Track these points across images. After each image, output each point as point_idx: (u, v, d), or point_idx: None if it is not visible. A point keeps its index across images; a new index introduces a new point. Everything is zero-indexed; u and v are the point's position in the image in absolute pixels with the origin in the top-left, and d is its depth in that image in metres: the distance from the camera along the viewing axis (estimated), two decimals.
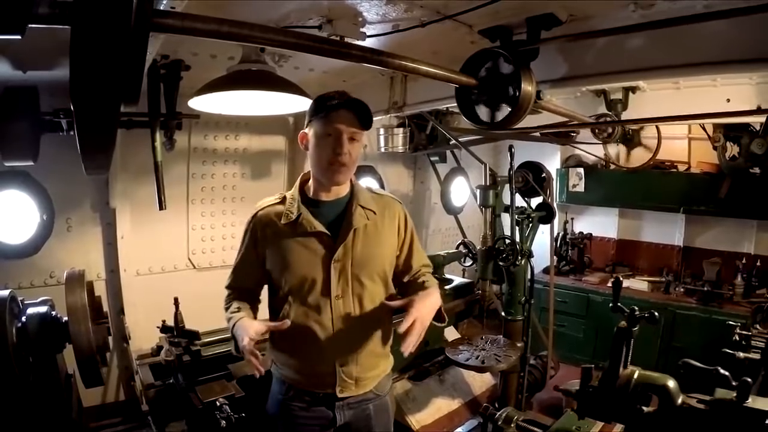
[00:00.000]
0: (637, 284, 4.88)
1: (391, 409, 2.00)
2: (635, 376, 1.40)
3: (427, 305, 1.67)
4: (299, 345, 1.76)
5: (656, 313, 1.43)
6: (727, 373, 1.32)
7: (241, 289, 1.90)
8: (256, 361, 1.59)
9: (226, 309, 1.84)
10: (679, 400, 1.32)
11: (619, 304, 1.52)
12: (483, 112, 2.18)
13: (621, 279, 1.56)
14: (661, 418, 1.34)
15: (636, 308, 1.44)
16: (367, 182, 4.58)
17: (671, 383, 1.34)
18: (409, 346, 1.57)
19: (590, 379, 1.49)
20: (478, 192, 3.29)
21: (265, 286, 1.91)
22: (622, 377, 1.41)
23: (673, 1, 1.76)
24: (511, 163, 3.10)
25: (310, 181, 1.83)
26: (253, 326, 1.65)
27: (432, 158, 5.00)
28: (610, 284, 4.89)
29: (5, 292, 1.80)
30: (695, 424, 1.29)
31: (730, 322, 3.33)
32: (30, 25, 0.88)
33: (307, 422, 1.81)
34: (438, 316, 1.78)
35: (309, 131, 1.74)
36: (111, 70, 0.89)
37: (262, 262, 1.81)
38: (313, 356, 1.75)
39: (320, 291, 1.72)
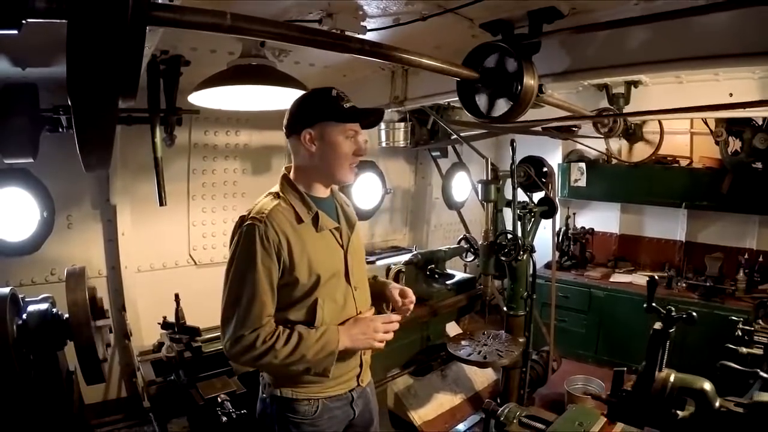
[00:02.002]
0: (639, 279, 4.88)
1: None
2: (671, 379, 1.33)
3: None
4: None
5: (694, 314, 1.35)
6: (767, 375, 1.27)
7: (271, 317, 1.62)
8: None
9: (285, 342, 1.56)
10: (717, 404, 1.27)
11: (654, 304, 1.41)
12: (485, 106, 2.17)
13: (656, 278, 1.45)
14: (697, 422, 1.27)
15: (672, 309, 1.36)
16: (368, 178, 4.58)
17: (708, 386, 1.29)
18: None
19: (622, 383, 1.42)
20: (479, 187, 3.27)
21: None
22: (658, 381, 1.34)
23: None
24: (512, 158, 3.09)
25: (297, 177, 1.73)
26: (365, 318, 1.74)
27: (433, 153, 4.98)
28: (611, 279, 4.95)
29: (6, 290, 1.80)
30: (733, 428, 1.23)
31: (733, 318, 3.31)
32: (27, 20, 0.87)
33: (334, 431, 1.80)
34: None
35: (317, 131, 1.65)
36: (108, 65, 0.88)
37: (282, 274, 1.61)
38: (347, 352, 1.72)
39: (344, 285, 1.75)
